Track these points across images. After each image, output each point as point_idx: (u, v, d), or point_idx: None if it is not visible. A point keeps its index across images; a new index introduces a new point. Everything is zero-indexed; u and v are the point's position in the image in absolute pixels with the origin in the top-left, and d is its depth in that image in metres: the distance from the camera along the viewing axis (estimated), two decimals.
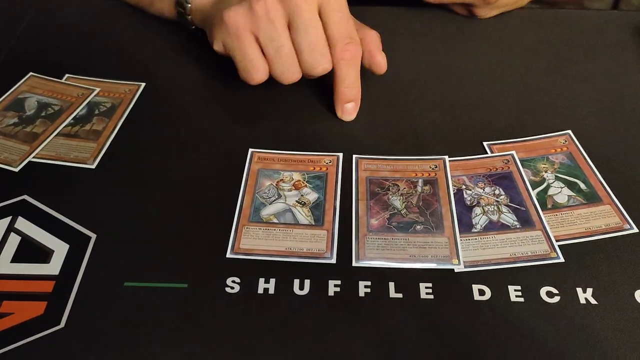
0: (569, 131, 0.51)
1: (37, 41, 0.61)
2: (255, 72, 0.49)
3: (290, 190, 0.46)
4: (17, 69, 0.57)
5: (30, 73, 0.56)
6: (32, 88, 0.55)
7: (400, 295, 0.39)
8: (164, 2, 0.60)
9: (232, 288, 0.40)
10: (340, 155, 0.49)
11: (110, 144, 0.50)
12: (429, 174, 0.47)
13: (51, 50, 0.60)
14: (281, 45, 0.48)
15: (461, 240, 0.42)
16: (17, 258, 0.41)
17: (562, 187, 0.46)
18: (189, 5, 0.57)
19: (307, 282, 0.40)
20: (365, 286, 0.40)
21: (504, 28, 0.61)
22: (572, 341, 0.37)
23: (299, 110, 0.54)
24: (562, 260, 0.41)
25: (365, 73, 0.57)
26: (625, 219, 0.44)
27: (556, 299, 0.39)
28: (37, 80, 0.56)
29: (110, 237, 0.43)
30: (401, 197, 0.45)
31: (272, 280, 0.40)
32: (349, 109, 0.52)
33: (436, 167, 0.48)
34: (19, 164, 0.48)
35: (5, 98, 0.54)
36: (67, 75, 0.56)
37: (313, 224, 0.44)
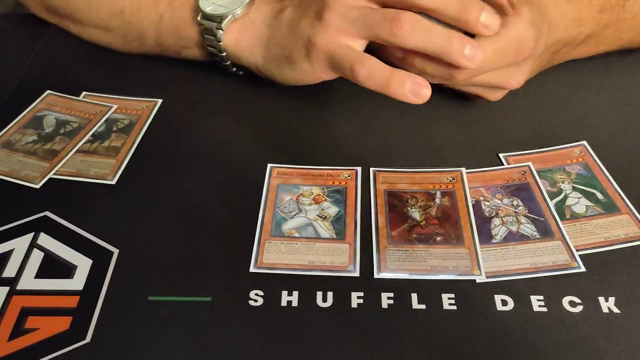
0: (584, 142, 0.51)
1: (54, 59, 0.62)
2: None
3: (310, 204, 0.46)
4: (35, 87, 0.57)
5: (48, 91, 0.57)
6: (50, 106, 0.55)
7: (423, 307, 0.40)
8: (192, 50, 0.57)
9: (256, 301, 0.40)
10: (359, 169, 0.49)
11: (130, 160, 0.50)
12: (447, 186, 0.47)
13: (68, 68, 0.61)
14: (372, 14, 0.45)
15: (481, 251, 0.43)
16: (40, 274, 0.42)
17: (579, 198, 0.46)
18: (224, 54, 0.54)
19: (330, 294, 0.40)
20: (388, 297, 0.40)
21: None
22: (596, 350, 0.37)
23: (315, 125, 0.54)
24: (583, 269, 0.41)
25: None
26: None
27: (579, 308, 0.39)
28: (55, 98, 0.56)
29: (133, 252, 0.43)
30: (420, 209, 0.46)
31: (295, 293, 0.40)
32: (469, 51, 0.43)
33: (453, 179, 0.48)
34: (40, 181, 0.48)
35: (24, 116, 0.54)
36: (84, 92, 0.57)
37: (335, 237, 0.44)
